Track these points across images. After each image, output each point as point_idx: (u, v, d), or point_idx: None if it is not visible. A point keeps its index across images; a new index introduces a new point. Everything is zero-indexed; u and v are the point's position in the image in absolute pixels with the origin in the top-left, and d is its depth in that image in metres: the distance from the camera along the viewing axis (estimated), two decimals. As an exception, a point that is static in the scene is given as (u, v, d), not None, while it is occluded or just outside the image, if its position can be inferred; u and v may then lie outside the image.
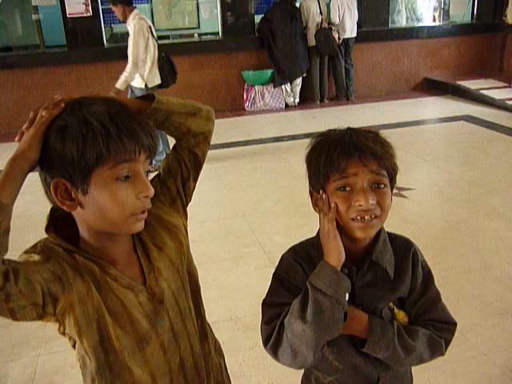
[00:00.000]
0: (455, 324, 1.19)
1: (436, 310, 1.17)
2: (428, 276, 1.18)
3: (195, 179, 1.19)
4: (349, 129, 1.12)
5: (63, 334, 1.00)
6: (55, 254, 0.95)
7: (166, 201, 1.15)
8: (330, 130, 1.13)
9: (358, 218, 1.05)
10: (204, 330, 1.19)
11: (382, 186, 1.06)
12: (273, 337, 1.10)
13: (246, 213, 4.09)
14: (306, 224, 3.57)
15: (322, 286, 1.03)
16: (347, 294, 1.06)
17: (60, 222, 1.00)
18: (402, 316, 1.14)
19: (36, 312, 0.89)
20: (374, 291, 1.13)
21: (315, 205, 1.15)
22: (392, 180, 1.10)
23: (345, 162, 1.04)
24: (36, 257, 0.92)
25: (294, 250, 1.20)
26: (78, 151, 0.89)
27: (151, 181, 1.15)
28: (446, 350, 1.16)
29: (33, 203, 4.36)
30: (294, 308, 1.05)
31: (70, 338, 1.02)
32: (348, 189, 1.05)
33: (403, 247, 1.18)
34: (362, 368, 1.16)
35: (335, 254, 1.05)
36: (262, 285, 3.33)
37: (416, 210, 3.97)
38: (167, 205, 1.14)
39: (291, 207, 4.07)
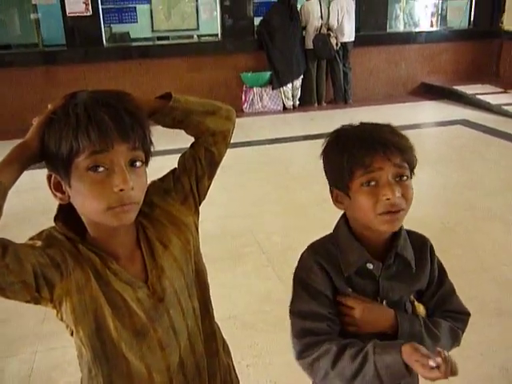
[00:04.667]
0: (469, 314, 1.23)
1: (452, 300, 1.21)
2: (442, 269, 1.23)
3: (210, 178, 1.18)
4: (363, 123, 1.13)
5: (61, 320, 1.00)
6: (58, 242, 0.96)
7: (179, 198, 1.13)
8: (344, 126, 1.14)
9: (386, 211, 1.06)
10: (212, 330, 1.18)
11: (405, 178, 1.08)
12: (307, 362, 1.09)
13: (244, 213, 4.09)
14: (304, 224, 3.56)
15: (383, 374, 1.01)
16: None
17: (72, 214, 1.00)
18: (421, 309, 1.17)
19: (28, 293, 0.89)
20: (398, 284, 1.15)
21: (336, 201, 1.15)
22: (412, 172, 1.12)
23: (370, 157, 1.04)
24: (39, 243, 0.94)
25: (313, 248, 1.18)
26: (56, 144, 0.91)
27: (165, 176, 1.16)
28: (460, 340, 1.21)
29: (30, 201, 4.36)
30: (346, 372, 1.04)
31: (67, 326, 1.02)
32: (373, 183, 1.06)
33: (420, 242, 1.22)
34: None
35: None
36: (261, 284, 3.32)
37: (413, 212, 3.95)
38: (179, 202, 1.13)
39: (289, 208, 4.07)
